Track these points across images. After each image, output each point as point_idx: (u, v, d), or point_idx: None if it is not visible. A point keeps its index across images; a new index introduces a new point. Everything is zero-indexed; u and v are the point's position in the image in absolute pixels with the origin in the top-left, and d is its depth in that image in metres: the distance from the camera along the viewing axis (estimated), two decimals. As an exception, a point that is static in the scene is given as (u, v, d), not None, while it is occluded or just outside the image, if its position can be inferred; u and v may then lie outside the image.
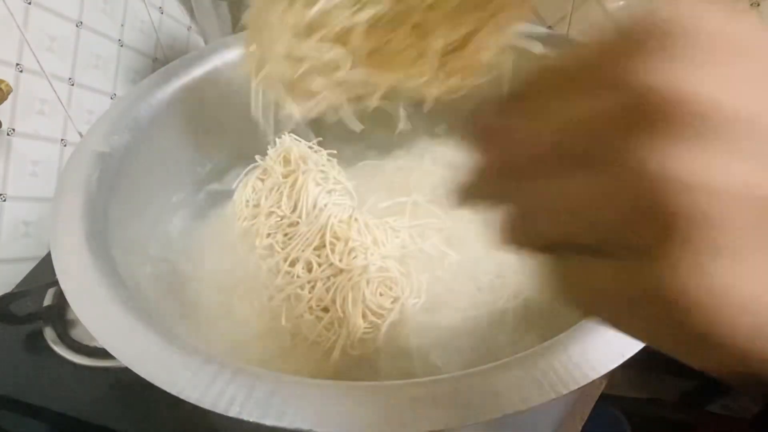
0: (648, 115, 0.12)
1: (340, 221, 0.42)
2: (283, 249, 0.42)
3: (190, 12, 0.94)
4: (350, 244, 0.40)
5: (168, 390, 0.27)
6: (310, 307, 0.38)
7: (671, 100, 0.12)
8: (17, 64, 0.65)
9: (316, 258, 0.40)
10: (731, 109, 0.12)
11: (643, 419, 0.74)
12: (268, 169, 0.48)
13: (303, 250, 0.41)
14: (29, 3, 0.65)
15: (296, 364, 0.37)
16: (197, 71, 0.51)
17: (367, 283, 0.39)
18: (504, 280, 0.42)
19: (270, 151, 0.49)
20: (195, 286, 0.44)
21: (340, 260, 0.39)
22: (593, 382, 0.26)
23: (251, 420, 0.25)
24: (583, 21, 0.49)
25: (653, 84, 0.12)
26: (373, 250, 0.40)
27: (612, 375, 0.28)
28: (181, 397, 0.26)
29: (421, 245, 0.43)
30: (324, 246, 0.41)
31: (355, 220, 0.42)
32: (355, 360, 0.38)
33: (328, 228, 0.41)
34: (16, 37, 0.64)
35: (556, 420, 0.47)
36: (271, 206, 0.44)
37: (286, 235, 0.43)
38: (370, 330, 0.38)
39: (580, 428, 0.53)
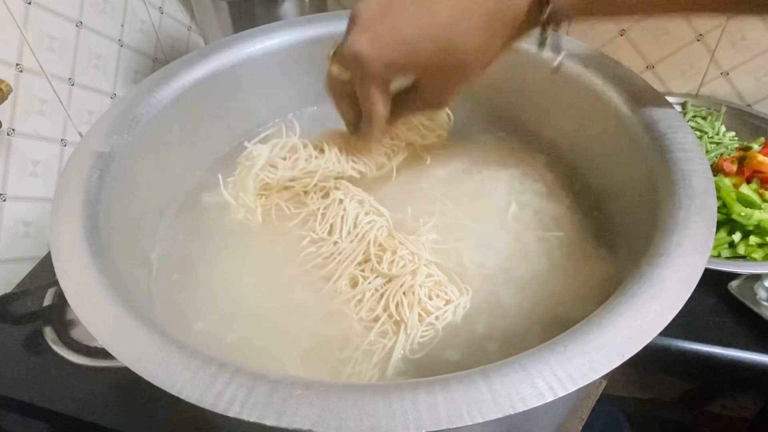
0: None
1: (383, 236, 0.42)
2: (322, 269, 0.42)
3: (190, 12, 0.94)
4: (398, 252, 0.40)
5: (168, 390, 0.27)
6: (360, 319, 0.38)
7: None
8: (17, 64, 0.65)
9: (361, 272, 0.40)
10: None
11: (643, 419, 0.74)
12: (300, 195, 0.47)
13: (345, 267, 0.41)
14: (29, 3, 0.65)
15: (350, 376, 0.37)
16: (197, 71, 0.51)
17: (420, 287, 0.39)
18: (525, 295, 0.42)
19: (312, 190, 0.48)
20: (201, 300, 0.43)
21: (389, 269, 0.39)
22: (593, 382, 0.26)
23: (251, 420, 0.25)
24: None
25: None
26: (419, 256, 0.40)
27: (612, 375, 0.28)
28: (181, 397, 0.26)
29: (454, 252, 0.43)
30: (368, 260, 0.41)
31: (393, 237, 0.42)
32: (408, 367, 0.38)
33: (372, 241, 0.41)
34: (16, 37, 0.64)
35: (556, 420, 0.47)
36: (306, 232, 0.44)
37: (323, 255, 0.42)
38: (428, 331, 0.38)
39: (580, 428, 0.53)
